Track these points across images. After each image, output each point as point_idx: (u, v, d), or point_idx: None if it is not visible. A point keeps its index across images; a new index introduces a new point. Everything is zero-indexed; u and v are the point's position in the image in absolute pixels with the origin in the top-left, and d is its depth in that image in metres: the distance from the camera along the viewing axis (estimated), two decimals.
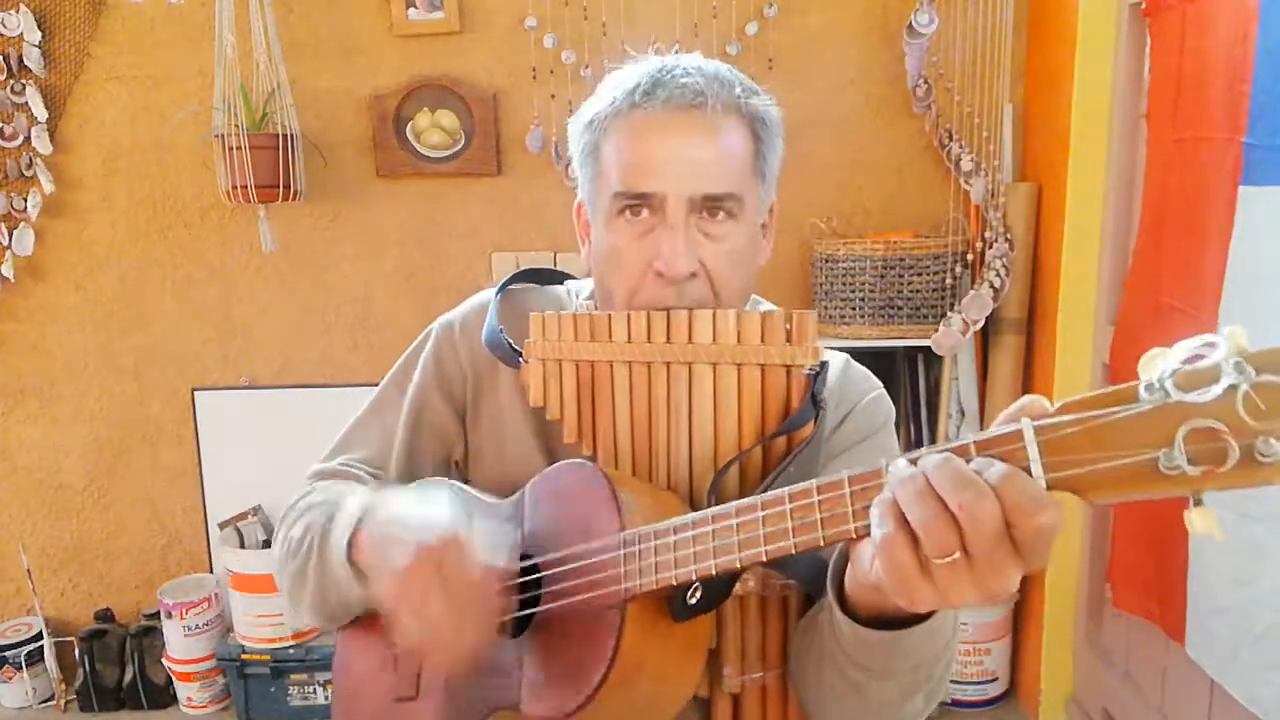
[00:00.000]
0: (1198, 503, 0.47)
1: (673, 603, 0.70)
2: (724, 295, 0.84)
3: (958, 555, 0.51)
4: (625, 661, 0.69)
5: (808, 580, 0.79)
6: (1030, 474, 0.51)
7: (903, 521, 0.52)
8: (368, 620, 0.92)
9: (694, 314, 0.80)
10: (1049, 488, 0.51)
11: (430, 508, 0.77)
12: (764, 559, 0.63)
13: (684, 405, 0.80)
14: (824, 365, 0.79)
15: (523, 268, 1.02)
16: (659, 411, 0.82)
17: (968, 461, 0.52)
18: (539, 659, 0.75)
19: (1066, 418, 0.50)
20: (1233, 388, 0.44)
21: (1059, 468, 0.50)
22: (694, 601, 0.69)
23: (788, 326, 0.78)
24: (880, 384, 0.95)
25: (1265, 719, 1.48)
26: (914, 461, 0.54)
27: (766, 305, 0.97)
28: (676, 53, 0.86)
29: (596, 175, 0.85)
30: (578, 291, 1.00)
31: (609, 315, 0.83)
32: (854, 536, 0.59)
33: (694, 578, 0.67)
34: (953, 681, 2.46)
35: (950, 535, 0.50)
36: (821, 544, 0.61)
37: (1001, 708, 2.49)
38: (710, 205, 0.81)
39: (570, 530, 0.75)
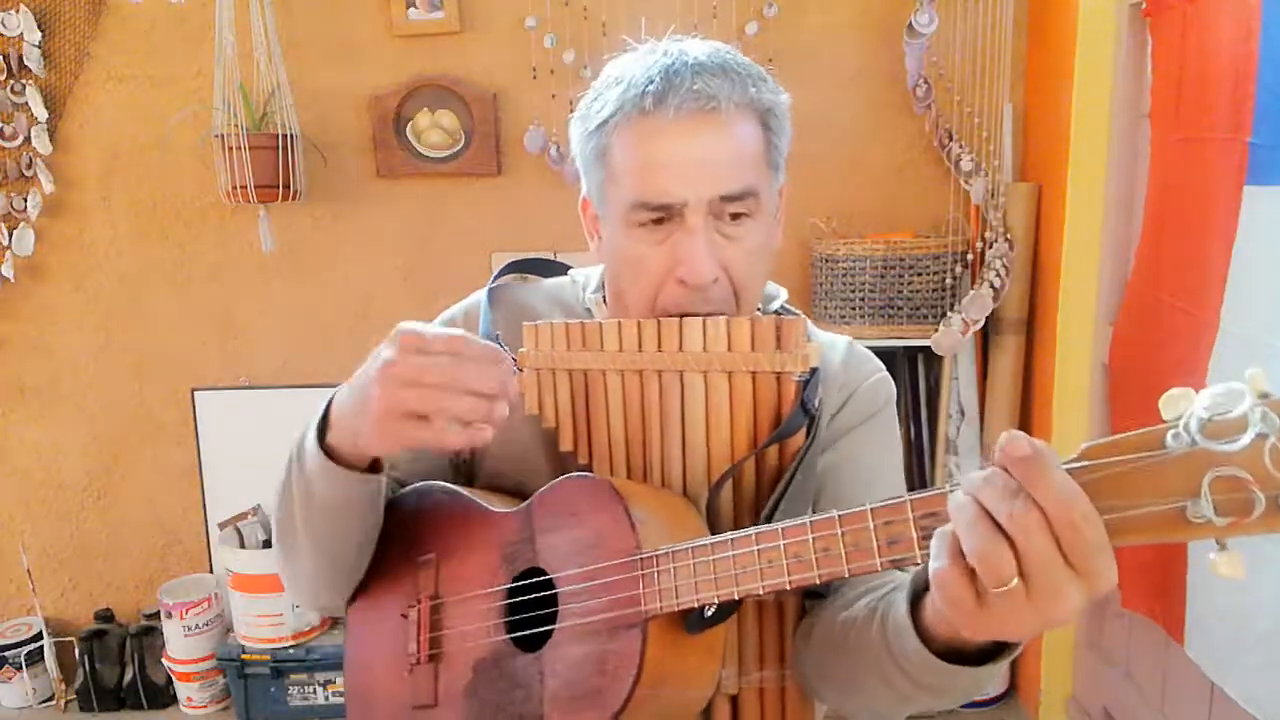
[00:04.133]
0: (1222, 547, 0.47)
1: (688, 617, 0.70)
2: (745, 294, 0.83)
3: (1015, 583, 0.49)
4: (649, 677, 0.70)
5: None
6: None
7: (958, 553, 0.51)
8: (379, 617, 0.89)
9: (684, 322, 0.79)
10: None
11: (371, 355, 0.73)
12: (788, 587, 0.63)
13: (676, 414, 0.80)
14: (814, 372, 0.78)
15: (513, 259, 1.00)
16: (652, 420, 0.81)
17: None
18: (561, 673, 0.75)
19: (1089, 462, 0.49)
20: (1261, 437, 0.44)
21: None
22: (709, 615, 0.70)
23: (777, 333, 0.77)
24: (883, 365, 0.94)
25: (1264, 719, 1.48)
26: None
27: (778, 291, 0.97)
28: (676, 39, 0.83)
29: (608, 180, 0.82)
30: (584, 284, 0.97)
31: (600, 324, 0.82)
32: (879, 569, 0.59)
33: (716, 601, 0.67)
34: None
35: (1005, 560, 0.49)
36: (846, 575, 0.60)
37: (1001, 708, 2.49)
38: (729, 206, 0.79)
39: (585, 547, 0.74)
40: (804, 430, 0.78)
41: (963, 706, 2.46)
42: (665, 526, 0.73)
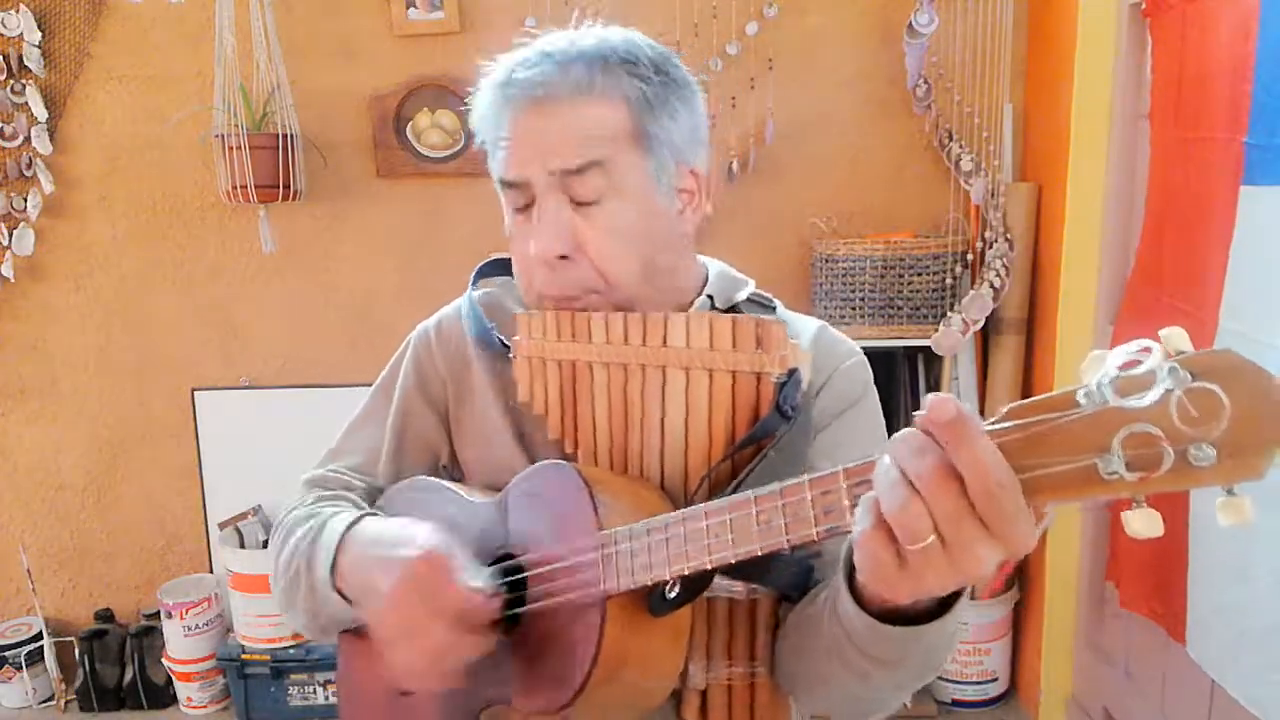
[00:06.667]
0: (1138, 504, 0.48)
1: (651, 598, 0.72)
2: (612, 275, 0.83)
3: (931, 539, 0.51)
4: (609, 657, 0.71)
5: (786, 587, 0.80)
6: None
7: (879, 516, 0.52)
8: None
9: (669, 317, 0.80)
10: None
11: (409, 527, 0.78)
12: (732, 560, 0.65)
13: (657, 408, 0.81)
14: (793, 373, 0.78)
15: (487, 260, 1.02)
16: (634, 413, 0.83)
17: None
18: (528, 656, 0.77)
19: (1010, 424, 0.50)
20: (1168, 393, 0.45)
21: None
22: (672, 596, 0.71)
23: (758, 334, 0.78)
24: (858, 349, 0.93)
25: (1264, 719, 1.48)
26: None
27: (745, 280, 0.96)
28: (587, 26, 0.86)
29: (493, 163, 0.88)
30: None
31: (589, 315, 0.84)
32: (815, 539, 0.60)
33: (670, 577, 0.68)
34: (953, 681, 2.46)
35: (919, 517, 0.50)
36: (786, 546, 0.62)
37: (1001, 708, 2.50)
38: (575, 181, 0.81)
39: (550, 530, 0.76)
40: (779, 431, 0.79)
41: (963, 706, 2.46)
42: (630, 512, 0.74)
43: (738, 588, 0.81)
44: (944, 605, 0.63)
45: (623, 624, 0.72)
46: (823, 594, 0.77)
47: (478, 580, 0.75)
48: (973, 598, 2.42)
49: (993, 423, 0.51)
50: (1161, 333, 0.46)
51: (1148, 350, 0.46)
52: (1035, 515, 0.50)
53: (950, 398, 0.51)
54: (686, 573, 0.68)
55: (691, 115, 0.86)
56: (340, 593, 0.84)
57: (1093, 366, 0.48)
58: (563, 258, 0.82)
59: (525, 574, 0.78)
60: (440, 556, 0.74)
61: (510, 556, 0.80)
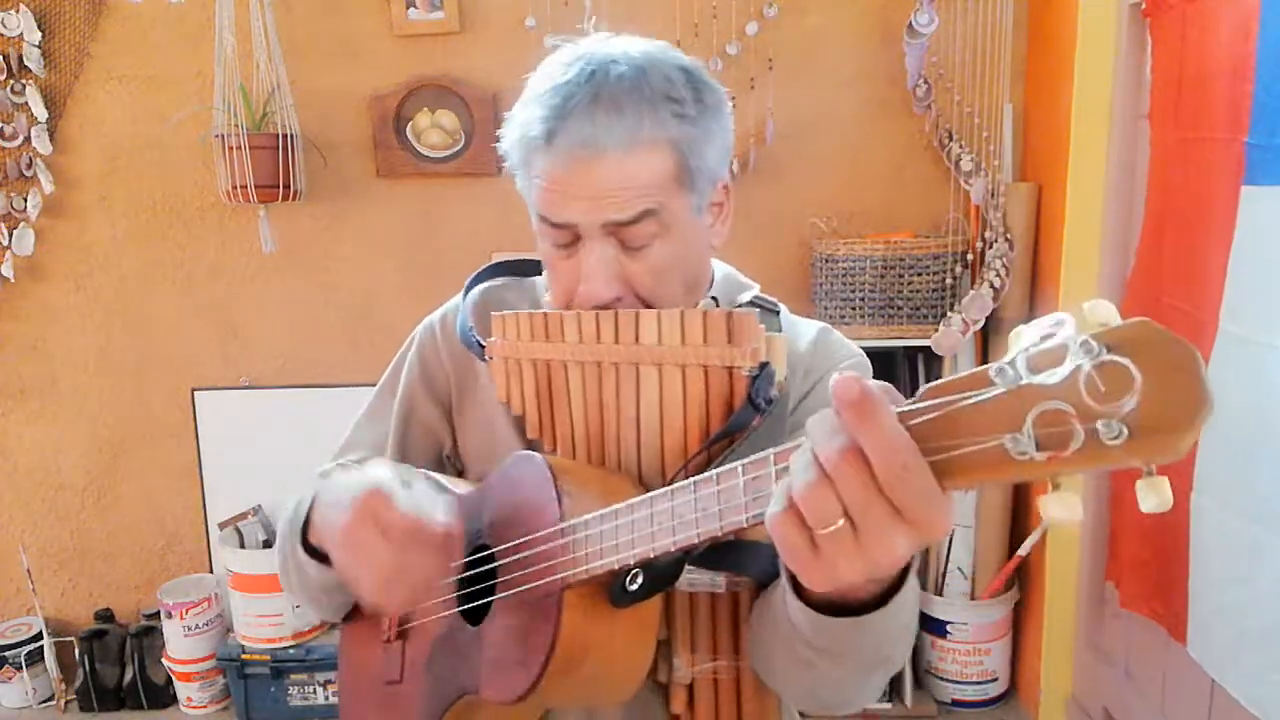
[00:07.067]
0: (1055, 487, 0.45)
1: (612, 590, 0.71)
2: (660, 304, 0.84)
3: (841, 523, 0.49)
4: (566, 647, 0.71)
5: (763, 575, 0.79)
6: None
7: (791, 500, 0.51)
8: (362, 614, 0.96)
9: (640, 314, 0.80)
10: None
11: (363, 473, 0.78)
12: (673, 549, 0.64)
13: (632, 405, 0.81)
14: (764, 366, 0.78)
15: (497, 261, 1.03)
16: (610, 411, 0.83)
17: None
18: (494, 645, 0.78)
19: (924, 404, 0.48)
20: (1077, 367, 0.42)
21: None
22: (634, 588, 0.70)
23: (729, 327, 0.77)
24: (860, 353, 0.93)
25: (1264, 719, 1.48)
26: None
27: (749, 284, 0.96)
28: (607, 37, 0.84)
29: (526, 187, 0.86)
30: (547, 285, 1.00)
31: (561, 315, 0.84)
32: (745, 525, 0.59)
33: (618, 565, 0.68)
34: (953, 681, 2.46)
35: (826, 501, 0.49)
36: (719, 532, 0.61)
37: (1001, 708, 2.50)
38: (625, 230, 0.80)
39: (520, 521, 0.77)
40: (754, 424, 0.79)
41: (963, 706, 2.46)
42: (595, 500, 0.74)
43: (719, 580, 0.81)
44: (888, 595, 0.62)
45: (583, 614, 0.72)
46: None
47: (433, 506, 0.75)
48: (940, 592, 2.42)
49: (909, 403, 0.49)
50: (1085, 305, 0.44)
51: (1062, 322, 0.44)
52: (947, 497, 0.48)
53: (857, 377, 0.48)
54: (633, 561, 0.67)
55: (724, 131, 0.85)
56: (317, 552, 0.85)
57: (1014, 343, 0.45)
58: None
59: (496, 564, 0.79)
60: (382, 487, 0.74)
61: (487, 547, 0.81)
